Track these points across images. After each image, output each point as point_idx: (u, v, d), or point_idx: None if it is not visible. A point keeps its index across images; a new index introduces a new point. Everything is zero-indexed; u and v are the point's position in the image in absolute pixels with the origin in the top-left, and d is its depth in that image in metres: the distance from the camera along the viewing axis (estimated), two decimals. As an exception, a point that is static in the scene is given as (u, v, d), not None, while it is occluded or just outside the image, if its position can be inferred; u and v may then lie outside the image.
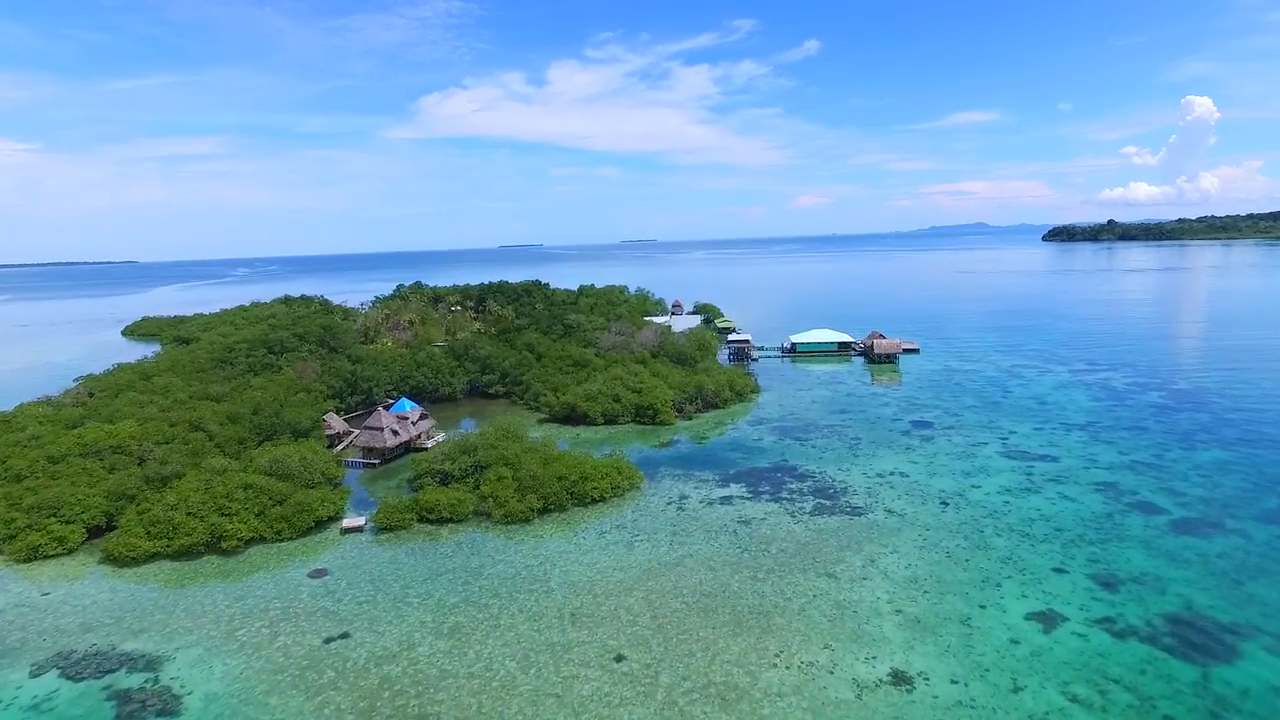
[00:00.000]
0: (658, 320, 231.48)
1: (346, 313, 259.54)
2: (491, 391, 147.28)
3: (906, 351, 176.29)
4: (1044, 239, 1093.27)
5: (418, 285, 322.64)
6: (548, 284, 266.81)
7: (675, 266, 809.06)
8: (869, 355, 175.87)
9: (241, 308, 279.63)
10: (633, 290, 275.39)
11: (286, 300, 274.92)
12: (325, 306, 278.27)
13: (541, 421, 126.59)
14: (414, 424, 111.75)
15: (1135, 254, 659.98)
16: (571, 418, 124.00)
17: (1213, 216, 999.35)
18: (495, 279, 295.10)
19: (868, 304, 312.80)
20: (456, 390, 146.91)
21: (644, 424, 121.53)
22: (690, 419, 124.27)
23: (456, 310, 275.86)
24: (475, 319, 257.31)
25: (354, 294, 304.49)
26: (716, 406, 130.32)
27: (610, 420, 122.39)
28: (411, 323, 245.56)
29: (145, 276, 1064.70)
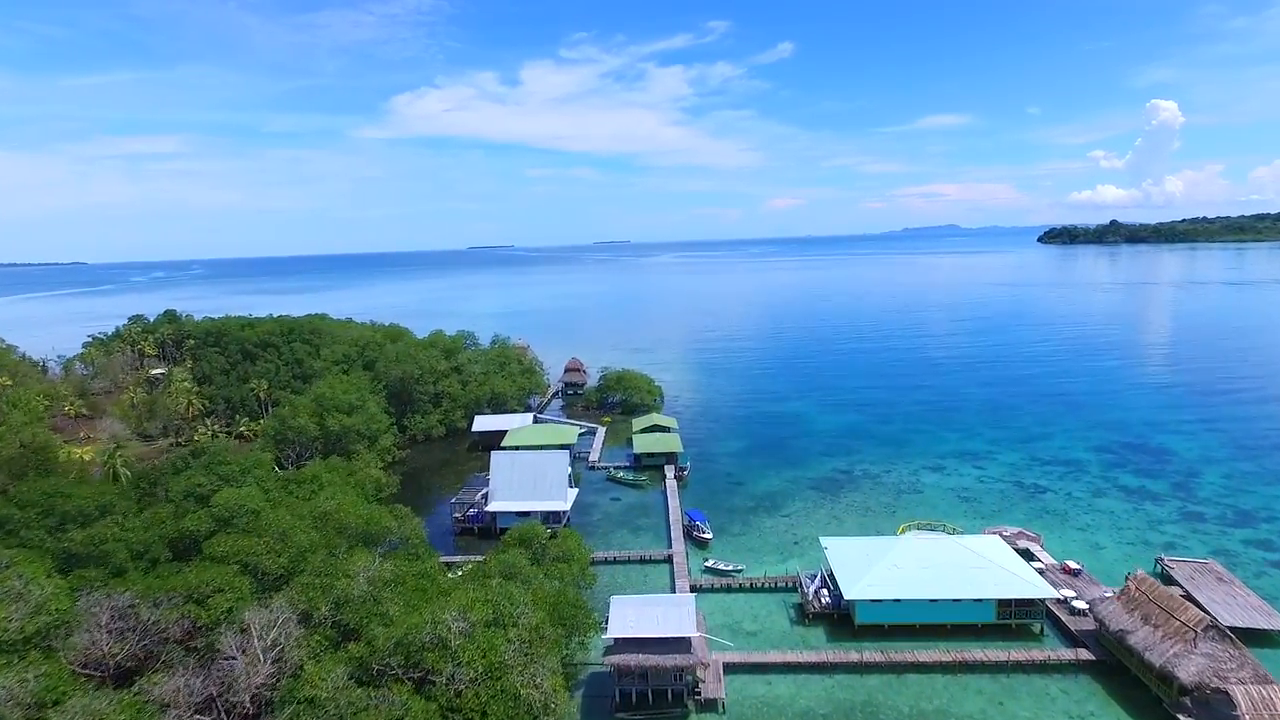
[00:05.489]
0: (506, 426, 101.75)
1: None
2: None
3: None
4: (1040, 241, 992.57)
5: (170, 315, 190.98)
6: (313, 333, 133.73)
7: (638, 272, 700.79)
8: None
9: None
10: (488, 341, 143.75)
11: None
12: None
13: None
14: None
15: (1198, 259, 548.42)
16: None
17: (1230, 217, 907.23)
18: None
19: (913, 350, 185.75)
20: None
21: None
22: None
23: (161, 375, 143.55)
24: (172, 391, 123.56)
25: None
26: None
27: None
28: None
29: (71, 279, 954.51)
